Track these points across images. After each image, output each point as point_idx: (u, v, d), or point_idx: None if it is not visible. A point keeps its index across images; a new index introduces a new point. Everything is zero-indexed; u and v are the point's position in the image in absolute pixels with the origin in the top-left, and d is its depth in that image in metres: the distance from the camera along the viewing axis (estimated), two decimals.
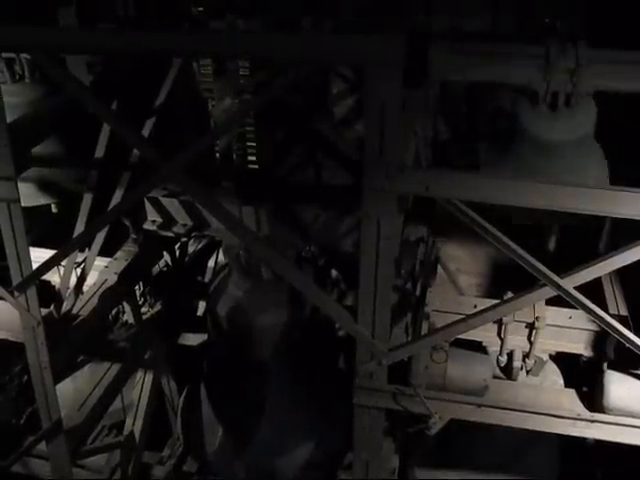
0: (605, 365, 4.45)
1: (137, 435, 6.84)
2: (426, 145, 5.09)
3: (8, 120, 4.14)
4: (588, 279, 3.63)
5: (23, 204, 4.31)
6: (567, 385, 4.87)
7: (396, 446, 5.39)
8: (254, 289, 5.68)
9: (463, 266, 7.35)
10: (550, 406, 4.36)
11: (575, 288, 3.63)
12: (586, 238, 5.48)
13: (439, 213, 5.00)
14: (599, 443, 4.49)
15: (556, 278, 3.58)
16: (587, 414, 4.29)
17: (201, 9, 5.00)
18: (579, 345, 4.72)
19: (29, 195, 5.39)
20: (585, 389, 4.53)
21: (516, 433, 4.61)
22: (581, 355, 4.73)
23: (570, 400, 4.51)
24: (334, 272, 6.24)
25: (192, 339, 7.13)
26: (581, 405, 4.44)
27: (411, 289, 5.10)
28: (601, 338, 4.57)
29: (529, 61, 3.71)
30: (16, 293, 4.53)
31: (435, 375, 4.51)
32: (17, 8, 5.31)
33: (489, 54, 3.74)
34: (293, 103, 5.01)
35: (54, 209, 5.94)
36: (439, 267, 6.20)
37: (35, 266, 4.51)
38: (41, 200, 5.74)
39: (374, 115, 3.45)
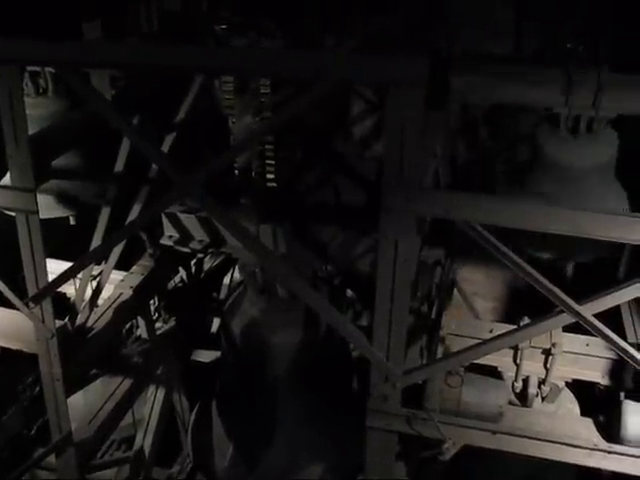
0: (623, 395, 4.37)
1: (147, 451, 6.80)
2: (445, 167, 5.07)
3: (30, 132, 4.18)
4: (607, 307, 3.59)
5: (41, 216, 4.33)
6: (583, 414, 4.80)
7: (408, 470, 5.32)
8: (269, 307, 5.66)
9: (480, 290, 7.31)
10: (566, 435, 4.28)
11: (593, 315, 3.58)
12: (605, 265, 5.42)
13: (456, 235, 4.98)
14: (616, 475, 4.39)
15: (575, 305, 3.54)
16: (604, 444, 4.21)
17: (224, 27, 5.04)
18: (596, 373, 4.66)
19: (47, 207, 5.40)
20: (602, 419, 4.45)
21: (530, 462, 4.53)
22: (598, 383, 4.66)
23: (586, 429, 4.42)
24: (349, 292, 6.22)
25: (205, 356, 7.10)
26: (598, 435, 4.34)
27: (427, 312, 5.07)
28: (619, 367, 4.51)
29: (550, 84, 3.68)
30: (31, 304, 4.54)
31: (449, 400, 4.45)
32: (43, 22, 5.38)
33: (509, 76, 3.72)
34: (313, 122, 5.01)
35: (72, 221, 5.95)
36: (455, 290, 6.16)
37: (51, 278, 4.53)
38: (59, 212, 5.75)
39: (394, 136, 3.45)
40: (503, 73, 3.72)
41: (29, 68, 5.40)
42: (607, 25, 5.20)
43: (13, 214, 4.37)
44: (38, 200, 4.26)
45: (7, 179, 4.52)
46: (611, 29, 5.22)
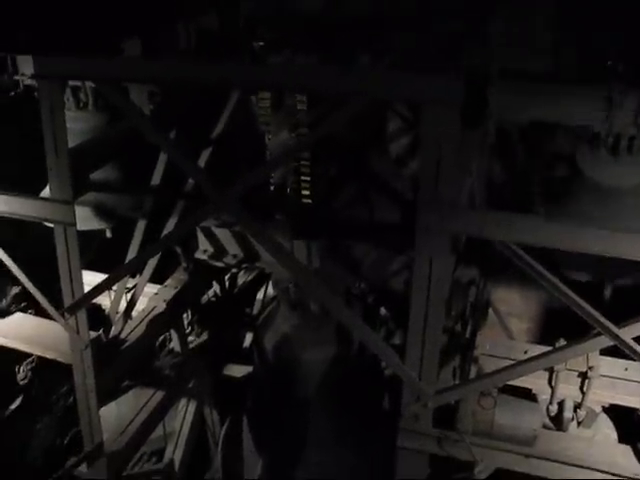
0: None
1: (177, 464, 6.82)
2: (481, 186, 5.02)
3: (70, 145, 4.25)
4: None
5: (78, 228, 4.40)
6: (621, 441, 4.67)
7: None
8: (302, 323, 5.65)
9: (514, 310, 7.20)
10: (603, 462, 4.15)
11: (633, 339, 3.50)
12: None
13: (492, 255, 4.92)
14: None
15: (613, 328, 3.46)
16: None
17: (261, 44, 5.08)
18: (635, 399, 4.54)
19: (85, 219, 5.48)
20: None
21: None
22: (637, 409, 4.54)
23: (625, 457, 4.29)
24: (383, 310, 6.18)
25: (237, 370, 7.10)
26: (637, 464, 4.22)
27: (461, 331, 5.01)
28: None
29: (589, 101, 3.62)
30: (67, 315, 4.59)
31: (482, 421, 4.37)
32: (85, 39, 5.48)
33: (546, 93, 3.67)
34: (349, 139, 5.01)
35: (108, 234, 6.03)
36: (490, 310, 6.08)
37: (86, 289, 4.58)
38: (96, 224, 5.84)
39: (430, 154, 3.42)
40: (540, 91, 3.66)
41: (71, 83, 5.51)
42: None
43: (51, 225, 4.44)
44: (76, 212, 4.33)
45: (46, 192, 4.61)
46: None
